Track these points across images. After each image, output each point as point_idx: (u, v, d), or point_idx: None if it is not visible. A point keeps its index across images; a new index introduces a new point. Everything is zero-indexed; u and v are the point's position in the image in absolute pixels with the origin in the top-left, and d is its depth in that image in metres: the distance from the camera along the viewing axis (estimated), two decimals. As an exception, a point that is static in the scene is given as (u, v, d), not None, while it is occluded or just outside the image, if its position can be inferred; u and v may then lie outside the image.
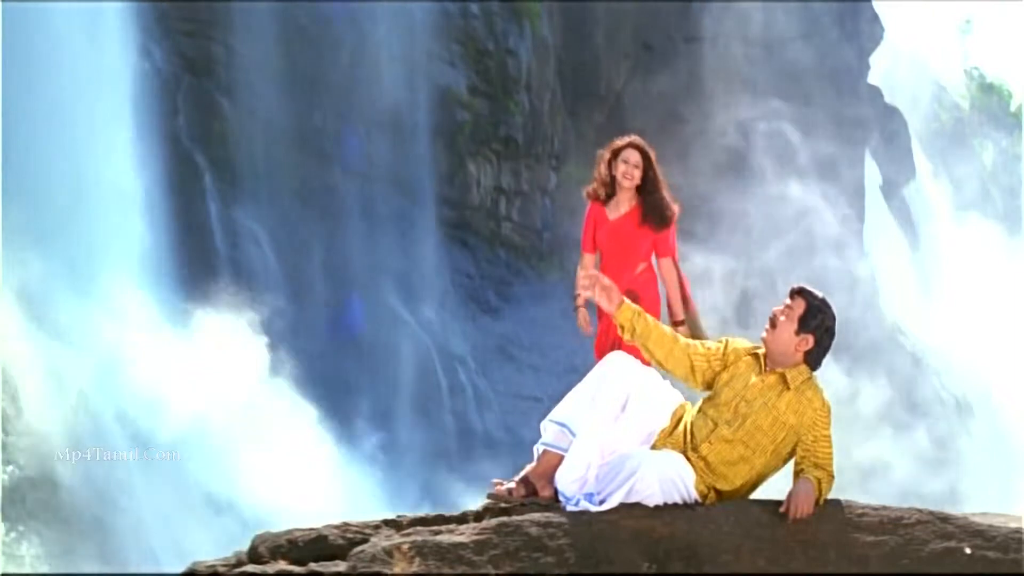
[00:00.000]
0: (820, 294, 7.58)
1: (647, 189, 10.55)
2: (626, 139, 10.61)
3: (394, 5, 33.88)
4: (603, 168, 10.64)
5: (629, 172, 10.48)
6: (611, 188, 10.62)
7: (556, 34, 39.68)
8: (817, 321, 7.51)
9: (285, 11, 31.65)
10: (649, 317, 7.61)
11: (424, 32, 34.84)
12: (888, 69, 58.61)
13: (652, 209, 10.54)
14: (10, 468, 21.85)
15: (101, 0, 27.78)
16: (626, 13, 41.39)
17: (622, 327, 7.61)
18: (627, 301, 7.60)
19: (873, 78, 51.33)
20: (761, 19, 44.38)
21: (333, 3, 32.51)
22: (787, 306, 7.55)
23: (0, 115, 24.82)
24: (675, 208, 10.67)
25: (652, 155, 10.57)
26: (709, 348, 7.62)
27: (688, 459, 7.39)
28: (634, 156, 10.49)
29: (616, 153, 10.53)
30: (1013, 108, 74.14)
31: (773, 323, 7.53)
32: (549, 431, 7.52)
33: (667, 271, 10.63)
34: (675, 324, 10.38)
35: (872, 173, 50.46)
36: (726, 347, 7.63)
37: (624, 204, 10.59)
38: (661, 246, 10.63)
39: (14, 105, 25.28)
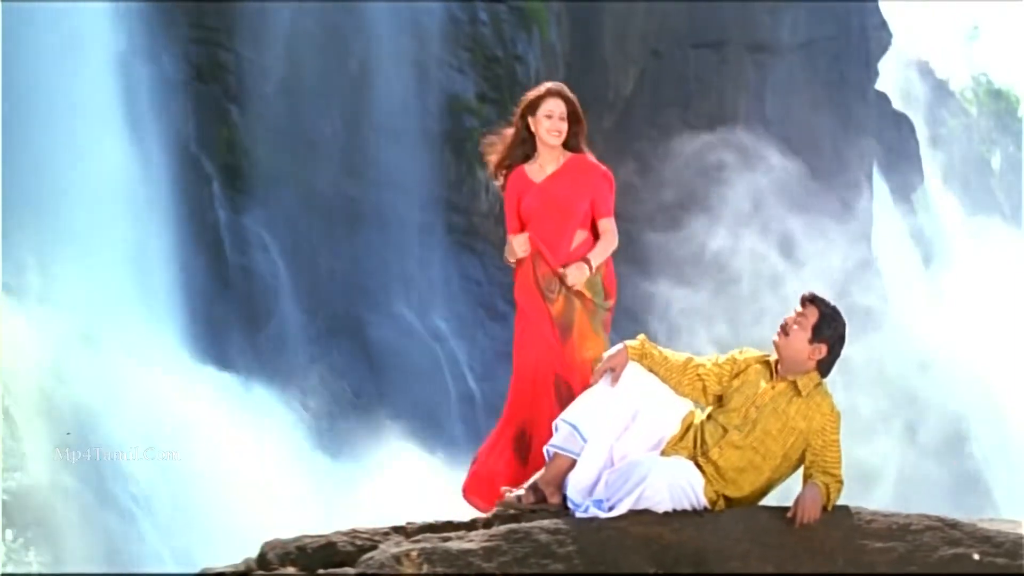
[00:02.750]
0: (831, 302, 7.59)
1: (576, 143, 8.91)
2: (543, 87, 8.91)
3: (402, 12, 33.90)
4: (516, 126, 8.88)
5: (556, 127, 8.76)
6: (528, 148, 8.87)
7: (564, 40, 39.69)
8: (831, 330, 7.51)
9: (294, 18, 31.66)
10: (655, 350, 7.63)
11: (432, 39, 34.85)
12: (896, 75, 58.61)
13: (588, 164, 8.83)
14: (17, 475, 21.87)
15: (105, 2, 27.77)
16: (634, 19, 41.39)
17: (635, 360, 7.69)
18: (628, 344, 7.66)
19: (881, 84, 51.31)
20: (769, 25, 44.37)
21: (341, 11, 32.53)
22: (800, 314, 7.54)
23: (0, 118, 24.81)
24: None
25: (577, 103, 8.96)
26: (719, 363, 7.62)
27: (698, 465, 7.40)
28: (559, 107, 8.81)
29: (534, 106, 8.79)
30: (1021, 114, 74.11)
31: (786, 330, 7.53)
32: (560, 432, 7.53)
33: (610, 228, 8.73)
34: (582, 261, 8.55)
35: (880, 179, 50.43)
36: (734, 360, 7.64)
37: (549, 163, 8.80)
38: (602, 205, 8.77)
39: (14, 107, 25.28)
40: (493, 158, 9.00)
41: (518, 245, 8.58)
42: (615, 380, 7.57)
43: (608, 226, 8.68)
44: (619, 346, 7.65)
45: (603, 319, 8.52)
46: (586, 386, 7.85)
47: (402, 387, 30.62)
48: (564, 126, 8.77)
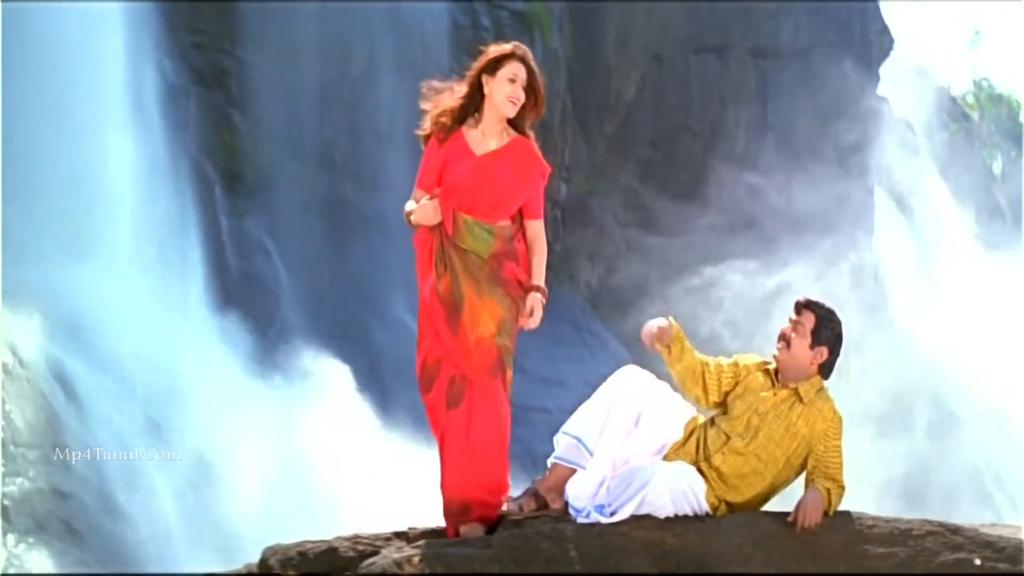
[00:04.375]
0: (826, 304, 7.59)
1: (522, 123, 7.82)
2: (509, 46, 7.84)
3: (404, 17, 33.92)
4: (470, 83, 7.81)
5: (516, 94, 7.69)
6: (472, 110, 7.79)
7: (566, 45, 39.72)
8: (829, 332, 7.52)
9: (295, 23, 31.68)
10: (686, 340, 7.63)
11: (434, 44, 34.86)
12: (897, 80, 58.60)
13: (533, 154, 7.85)
14: (19, 480, 21.86)
15: (105, 3, 27.77)
16: (636, 24, 41.41)
17: (668, 348, 7.61)
18: (675, 324, 7.61)
19: (882, 89, 51.33)
20: (770, 30, 44.39)
21: (343, 16, 32.54)
22: (796, 322, 7.54)
23: (1, 122, 24.83)
24: None
25: (538, 74, 7.85)
26: (720, 365, 7.63)
27: (700, 471, 7.41)
28: (522, 73, 7.72)
29: (496, 66, 7.70)
30: (1022, 119, 74.10)
31: (787, 342, 7.53)
32: (562, 443, 7.52)
33: (539, 234, 7.95)
34: (527, 290, 7.84)
35: (881, 184, 50.44)
36: (736, 365, 7.65)
37: (493, 137, 7.75)
38: (535, 204, 7.90)
39: (14, 111, 25.28)
40: (434, 112, 7.86)
41: (434, 209, 7.67)
42: (656, 342, 7.54)
43: (539, 230, 7.94)
44: (665, 321, 7.60)
45: (499, 276, 7.71)
46: (483, 370, 7.60)
47: (403, 391, 30.59)
48: (522, 96, 7.72)
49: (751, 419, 7.45)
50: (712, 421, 7.56)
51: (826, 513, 7.23)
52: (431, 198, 7.74)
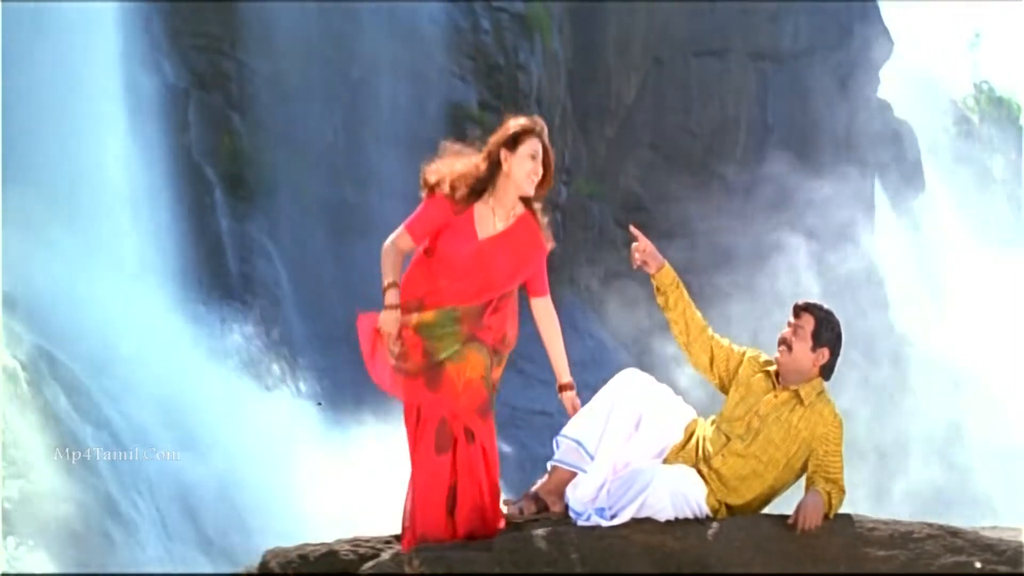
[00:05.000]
0: (824, 305, 7.59)
1: (537, 195, 7.71)
2: (527, 121, 7.60)
3: (404, 20, 33.93)
4: (491, 158, 7.55)
5: (537, 171, 7.56)
6: (486, 184, 7.57)
7: (567, 48, 39.74)
8: (830, 333, 7.52)
9: (296, 26, 31.68)
10: (685, 291, 7.63)
11: (434, 46, 34.88)
12: (898, 83, 58.61)
13: (535, 235, 7.68)
14: (19, 482, 21.86)
15: (106, 3, 27.78)
16: (636, 27, 41.45)
17: (658, 289, 7.58)
18: (667, 264, 7.61)
19: (883, 91, 51.35)
20: (770, 33, 44.41)
21: (343, 18, 32.55)
22: (795, 326, 7.53)
23: (0, 123, 24.83)
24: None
25: (551, 151, 7.64)
26: (730, 346, 7.65)
27: (700, 473, 7.41)
28: (540, 150, 7.56)
29: (517, 141, 7.52)
30: (1023, 121, 74.12)
31: (787, 346, 7.52)
32: (562, 446, 7.51)
33: (548, 313, 7.75)
34: (562, 388, 7.78)
35: (881, 186, 50.45)
36: (744, 355, 7.65)
37: (501, 217, 7.59)
38: (538, 281, 7.69)
39: (14, 114, 25.28)
40: (453, 177, 7.57)
41: (395, 321, 7.45)
42: (637, 259, 7.57)
43: (546, 307, 7.72)
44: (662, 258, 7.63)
45: (474, 336, 7.50)
46: (473, 411, 7.50)
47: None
48: (541, 172, 7.57)
49: (751, 421, 7.45)
50: (712, 423, 7.57)
51: (826, 516, 7.22)
52: (394, 307, 7.47)
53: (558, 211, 38.65)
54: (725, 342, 7.65)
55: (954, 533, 7.17)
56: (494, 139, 7.55)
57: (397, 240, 7.59)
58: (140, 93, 28.86)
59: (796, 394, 7.47)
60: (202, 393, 25.86)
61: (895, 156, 51.30)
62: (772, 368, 7.58)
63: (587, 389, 7.76)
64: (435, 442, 7.47)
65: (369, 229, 32.69)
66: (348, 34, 32.84)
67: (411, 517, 7.56)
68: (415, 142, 33.95)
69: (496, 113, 35.57)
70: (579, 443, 7.43)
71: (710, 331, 7.66)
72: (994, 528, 7.48)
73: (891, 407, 42.92)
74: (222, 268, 29.78)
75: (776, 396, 7.48)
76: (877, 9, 49.80)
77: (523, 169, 7.50)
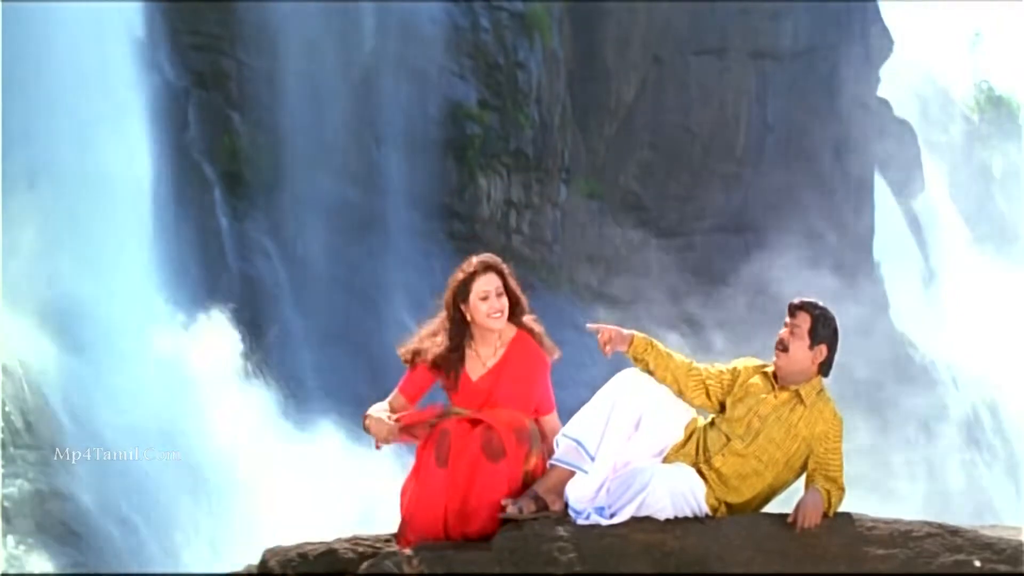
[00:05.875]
0: (819, 302, 7.57)
1: (517, 319, 7.70)
2: (469, 266, 7.68)
3: (404, 19, 33.93)
4: (448, 315, 7.67)
5: (496, 307, 7.59)
6: (461, 337, 7.65)
7: (566, 47, 39.74)
8: (826, 330, 7.50)
9: (295, 25, 31.69)
10: (660, 347, 7.60)
11: (434, 45, 34.88)
12: (897, 82, 58.61)
13: (532, 352, 7.69)
14: (19, 482, 21.87)
15: (107, 3, 27.77)
16: (636, 26, 41.45)
17: (635, 359, 7.60)
18: (637, 335, 7.58)
19: (883, 91, 51.34)
20: (770, 32, 44.40)
21: (343, 18, 32.54)
22: (792, 325, 7.51)
23: (0, 124, 24.82)
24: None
25: (507, 270, 7.71)
26: (719, 370, 7.62)
27: (701, 472, 7.40)
28: (494, 282, 7.60)
29: (466, 289, 7.59)
30: (1022, 120, 74.14)
31: (784, 347, 7.50)
32: (562, 445, 7.50)
33: (555, 427, 7.70)
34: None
35: (882, 185, 50.46)
36: (734, 370, 7.63)
37: (489, 352, 7.65)
38: (545, 401, 7.75)
39: (14, 114, 25.28)
40: (431, 353, 7.65)
41: (389, 432, 7.56)
42: (607, 349, 7.51)
43: (554, 424, 7.70)
44: (628, 331, 7.62)
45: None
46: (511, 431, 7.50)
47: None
48: (504, 303, 7.59)
49: (752, 421, 7.44)
50: (712, 423, 7.55)
51: (826, 515, 7.22)
52: (396, 420, 7.59)
53: (557, 210, 38.67)
54: (714, 369, 7.61)
55: (954, 532, 7.16)
56: (447, 295, 7.67)
57: (391, 400, 7.74)
58: (140, 92, 28.86)
59: (796, 394, 7.46)
60: (202, 393, 25.87)
61: (895, 155, 51.29)
62: (769, 369, 7.57)
63: (586, 389, 7.75)
64: (435, 454, 7.49)
65: (368, 228, 32.74)
66: (348, 33, 32.85)
67: (408, 517, 7.57)
68: (415, 141, 33.99)
69: (496, 112, 35.58)
70: (579, 443, 7.41)
71: (696, 366, 7.59)
72: (993, 527, 7.47)
73: (891, 407, 42.90)
74: (222, 267, 29.78)
75: (776, 396, 7.47)
76: (877, 8, 49.82)
77: (480, 312, 7.58)
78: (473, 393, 7.61)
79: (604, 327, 7.57)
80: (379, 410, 7.66)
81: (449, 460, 7.44)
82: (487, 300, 7.56)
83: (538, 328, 7.77)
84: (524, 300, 7.73)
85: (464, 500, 7.43)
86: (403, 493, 7.64)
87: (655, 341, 7.59)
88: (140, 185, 28.23)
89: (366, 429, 7.60)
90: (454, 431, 7.49)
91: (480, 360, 7.66)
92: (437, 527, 7.45)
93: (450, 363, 7.64)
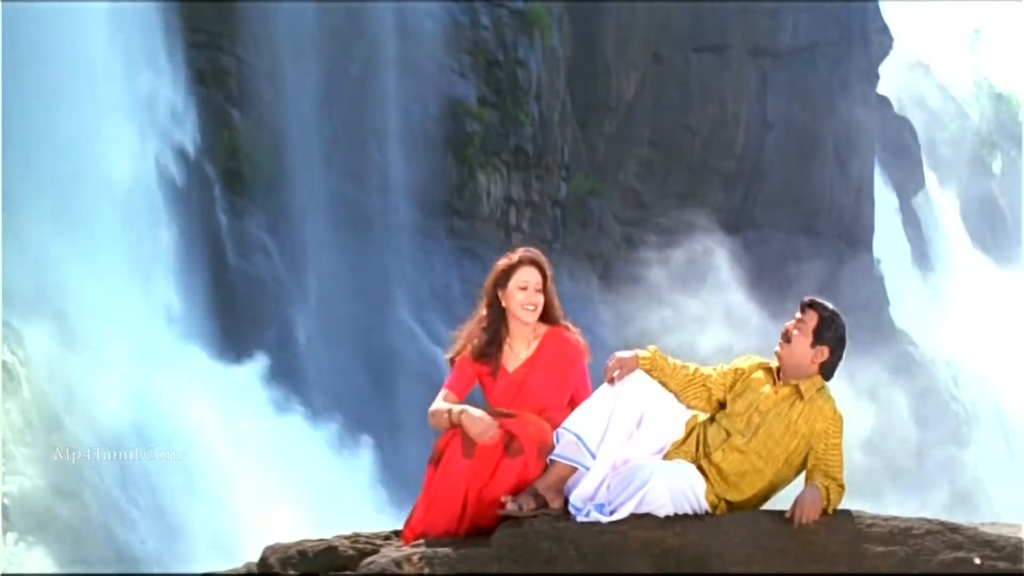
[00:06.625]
0: (830, 305, 7.59)
1: (552, 315, 7.87)
2: (515, 255, 7.87)
3: (404, 16, 33.92)
4: (488, 303, 7.86)
5: (531, 300, 7.76)
6: (498, 327, 7.83)
7: (566, 44, 39.74)
8: (831, 333, 7.51)
9: (295, 22, 31.67)
10: (666, 362, 7.60)
11: (434, 43, 34.87)
12: (897, 79, 58.64)
13: (566, 345, 7.86)
14: (18, 479, 21.86)
15: (106, 3, 27.75)
16: (635, 24, 41.45)
17: (644, 371, 7.62)
18: (641, 357, 7.59)
19: (882, 88, 51.35)
20: (770, 29, 44.41)
21: (343, 15, 32.53)
22: (799, 320, 7.54)
23: (0, 122, 24.81)
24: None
25: (549, 272, 7.87)
26: (723, 372, 7.62)
27: (701, 468, 7.40)
28: (535, 276, 7.78)
29: (506, 277, 7.79)
30: (1021, 118, 74.16)
31: (787, 338, 7.53)
32: (563, 441, 7.50)
33: None
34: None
35: (881, 182, 50.48)
36: (736, 369, 7.64)
37: (521, 345, 7.84)
38: (583, 392, 7.84)
39: (14, 112, 25.26)
40: (472, 344, 7.84)
41: (486, 428, 7.51)
42: (617, 380, 7.54)
43: None
44: (630, 353, 7.63)
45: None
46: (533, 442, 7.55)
47: (403, 392, 30.64)
48: (540, 299, 7.77)
49: (752, 417, 7.44)
50: (713, 419, 7.56)
51: (825, 512, 7.22)
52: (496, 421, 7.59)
53: (557, 207, 38.66)
54: (714, 372, 7.63)
55: (953, 529, 7.16)
56: (488, 281, 7.87)
57: (442, 399, 7.79)
58: (140, 90, 28.85)
59: (796, 389, 7.47)
60: (202, 392, 25.86)
61: (895, 153, 51.32)
62: (772, 365, 7.58)
63: (591, 388, 7.76)
64: (462, 446, 7.54)
65: (369, 226, 32.73)
66: (347, 30, 32.83)
67: (418, 511, 7.58)
68: (414, 138, 33.98)
69: (496, 109, 35.57)
70: (580, 438, 7.41)
71: (699, 374, 7.58)
72: (993, 524, 7.47)
73: (890, 404, 42.91)
74: (222, 264, 29.77)
75: (776, 392, 7.48)
76: (877, 6, 49.84)
77: (516, 301, 7.76)
78: (509, 384, 7.77)
79: (611, 360, 7.58)
80: (444, 408, 7.67)
81: (475, 453, 7.48)
82: (525, 291, 7.74)
83: (572, 328, 7.92)
84: (559, 307, 7.88)
85: (484, 490, 7.48)
86: (425, 485, 7.67)
87: (658, 355, 7.60)
88: (140, 183, 28.22)
89: (443, 425, 7.60)
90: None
91: (514, 353, 7.82)
92: (455, 514, 7.47)
93: (489, 354, 7.78)
